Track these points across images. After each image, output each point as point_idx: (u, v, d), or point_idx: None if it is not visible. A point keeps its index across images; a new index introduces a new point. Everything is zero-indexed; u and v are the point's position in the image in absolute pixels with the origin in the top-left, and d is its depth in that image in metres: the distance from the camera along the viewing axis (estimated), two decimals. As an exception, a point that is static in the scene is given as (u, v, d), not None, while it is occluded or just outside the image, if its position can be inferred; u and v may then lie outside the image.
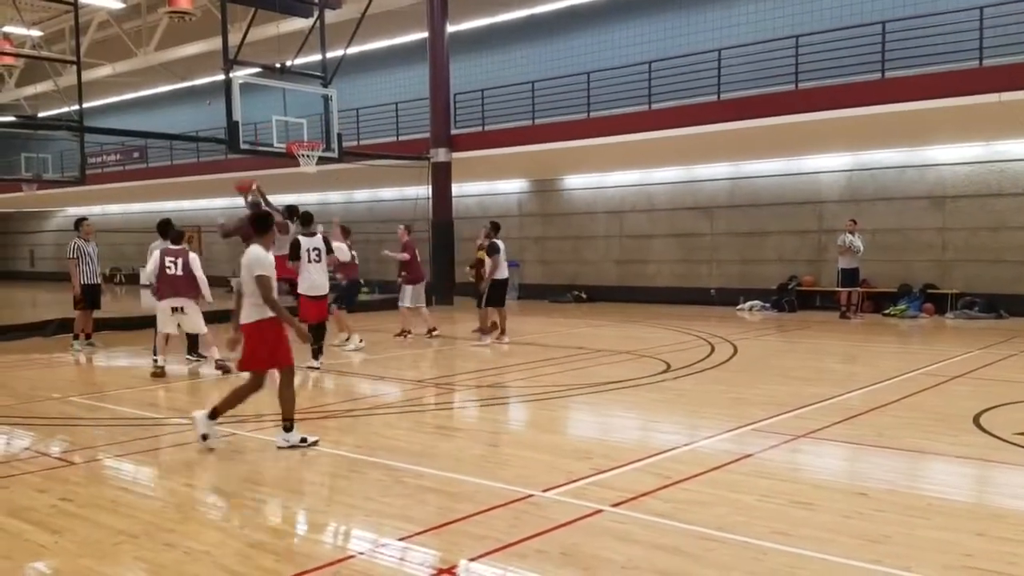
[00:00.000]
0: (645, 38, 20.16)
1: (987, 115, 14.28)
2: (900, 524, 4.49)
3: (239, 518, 4.92)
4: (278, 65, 16.87)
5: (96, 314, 13.34)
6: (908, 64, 15.20)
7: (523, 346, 12.83)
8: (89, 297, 12.83)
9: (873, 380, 9.04)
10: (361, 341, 12.57)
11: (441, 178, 21.60)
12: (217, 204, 32.16)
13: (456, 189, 22.35)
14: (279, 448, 6.33)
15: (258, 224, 6.54)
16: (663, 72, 18.63)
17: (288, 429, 6.41)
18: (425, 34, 21.72)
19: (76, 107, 19.29)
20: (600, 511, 4.73)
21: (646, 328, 14.43)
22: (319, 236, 10.74)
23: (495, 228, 13.44)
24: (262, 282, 6.25)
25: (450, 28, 21.58)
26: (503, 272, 13.34)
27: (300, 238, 10.62)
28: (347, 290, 13.41)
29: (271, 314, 6.27)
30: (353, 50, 19.25)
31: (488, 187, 24.13)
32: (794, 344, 12.97)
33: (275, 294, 6.31)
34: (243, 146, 16.44)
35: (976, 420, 6.94)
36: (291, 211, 12.34)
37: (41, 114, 31.48)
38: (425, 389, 9.26)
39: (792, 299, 18.26)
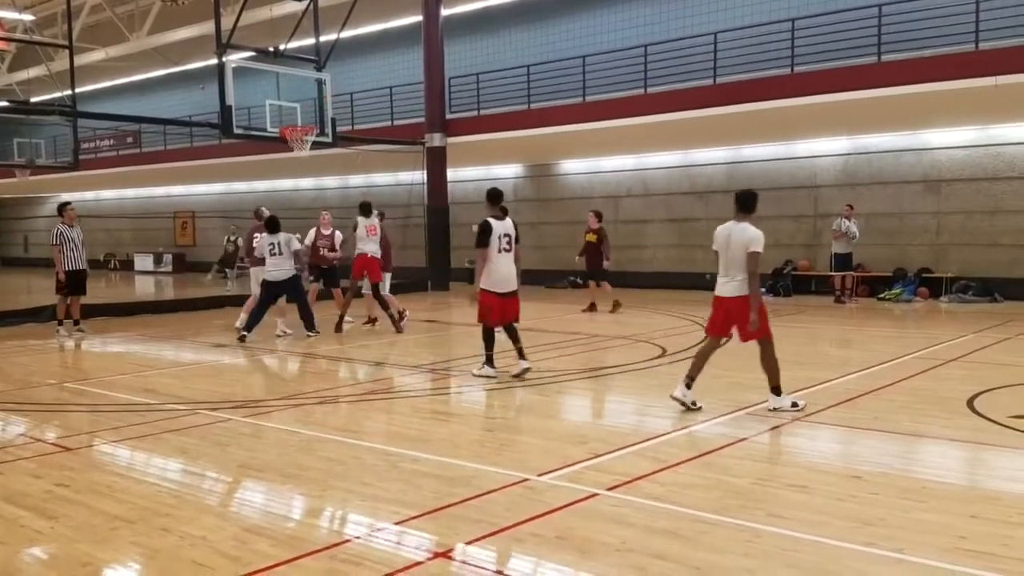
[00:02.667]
0: (641, 21, 20.05)
1: (983, 99, 14.26)
2: (894, 507, 4.51)
3: (235, 503, 4.93)
4: (271, 49, 16.76)
5: (92, 300, 13.31)
6: (904, 48, 15.16)
7: (520, 332, 12.82)
8: (72, 283, 12.73)
9: (868, 364, 9.07)
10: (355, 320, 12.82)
11: (436, 163, 21.54)
12: (213, 189, 32.07)
13: (451, 174, 22.29)
14: (770, 410, 6.71)
15: (746, 202, 7.12)
16: (659, 56, 18.55)
17: (777, 393, 6.79)
18: (419, 17, 21.60)
19: (69, 92, 19.16)
20: (596, 495, 4.75)
21: (642, 313, 14.44)
22: (509, 220, 8.76)
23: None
24: (755, 258, 6.80)
25: (444, 11, 21.46)
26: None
27: (491, 221, 8.55)
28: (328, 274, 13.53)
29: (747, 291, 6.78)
30: (347, 34, 19.14)
31: (484, 172, 24.06)
32: (789, 329, 12.99)
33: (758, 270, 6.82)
34: (236, 131, 16.37)
35: (970, 403, 6.97)
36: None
37: (33, 99, 31.23)
38: (421, 374, 9.27)
39: (787, 284, 18.28)
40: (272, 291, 11.98)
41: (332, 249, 13.23)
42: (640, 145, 20.20)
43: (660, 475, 5.14)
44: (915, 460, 5.66)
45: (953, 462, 5.63)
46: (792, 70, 16.31)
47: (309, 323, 12.13)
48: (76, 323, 12.94)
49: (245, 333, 11.85)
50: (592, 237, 15.39)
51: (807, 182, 18.56)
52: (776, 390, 6.85)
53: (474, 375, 8.62)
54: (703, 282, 19.76)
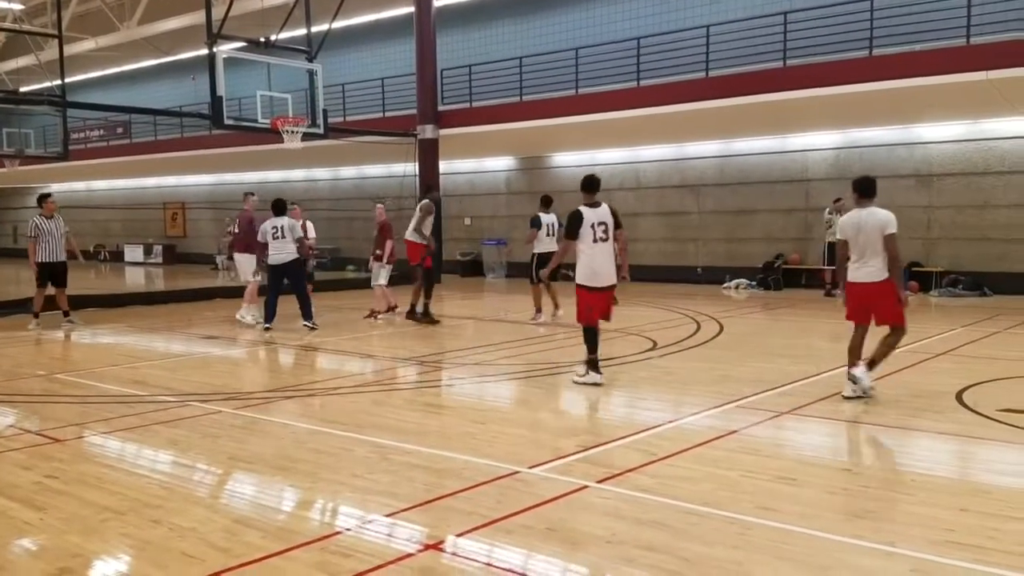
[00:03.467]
0: (633, 14, 20.03)
1: (974, 93, 14.30)
2: (883, 500, 4.54)
3: (225, 495, 4.92)
4: (262, 39, 16.68)
5: (82, 291, 13.21)
6: (896, 42, 15.19)
7: (511, 324, 12.86)
8: (51, 275, 12.54)
9: (858, 357, 9.08)
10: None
11: (428, 155, 21.49)
12: (203, 180, 31.94)
13: (444, 166, 22.25)
14: (850, 378, 7.00)
15: (866, 187, 7.38)
16: (652, 49, 18.54)
17: (870, 368, 7.04)
18: (412, 9, 21.51)
19: (58, 82, 19.03)
20: (586, 487, 4.76)
21: (633, 306, 14.43)
22: (605, 207, 8.08)
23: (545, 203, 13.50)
24: (894, 240, 7.05)
25: (437, 3, 21.39)
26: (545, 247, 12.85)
27: (582, 209, 7.96)
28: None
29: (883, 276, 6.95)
30: (338, 24, 19.06)
31: (476, 164, 24.03)
32: (779, 322, 13.04)
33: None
34: (227, 121, 16.28)
35: (959, 397, 7.01)
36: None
37: (23, 89, 31.03)
38: (413, 367, 9.26)
39: (778, 277, 18.32)
40: (277, 275, 12.08)
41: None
42: (632, 138, 20.19)
43: (650, 467, 5.15)
44: (904, 453, 5.69)
45: (942, 455, 5.66)
46: (784, 64, 16.33)
47: (307, 313, 12.13)
48: (65, 314, 12.85)
49: (268, 326, 11.96)
50: None
51: (799, 176, 18.59)
52: (871, 365, 7.04)
53: (575, 382, 7.84)
54: (695, 276, 19.84)
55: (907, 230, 16.70)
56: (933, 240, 16.98)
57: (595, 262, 7.81)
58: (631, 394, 7.64)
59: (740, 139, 19.25)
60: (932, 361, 8.94)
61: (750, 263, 18.97)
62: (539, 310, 12.89)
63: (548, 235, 13.01)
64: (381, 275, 13.58)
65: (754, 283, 18.39)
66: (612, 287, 7.99)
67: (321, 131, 17.60)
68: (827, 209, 16.29)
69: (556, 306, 12.79)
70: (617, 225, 7.96)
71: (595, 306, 7.86)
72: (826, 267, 16.56)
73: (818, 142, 18.37)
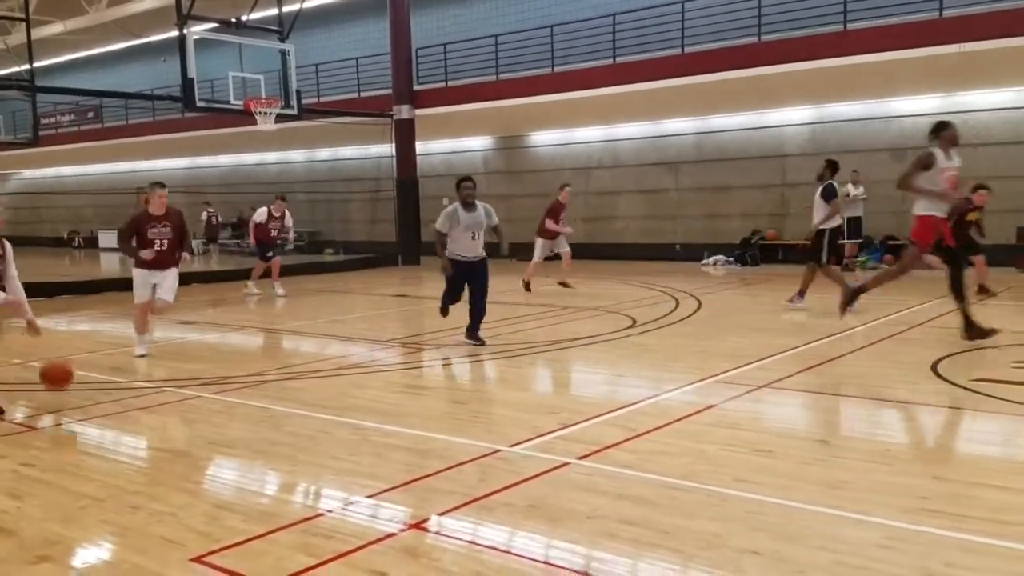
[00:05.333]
0: (608, -10, 19.93)
1: (948, 66, 14.39)
2: (859, 470, 4.60)
3: (206, 479, 4.91)
4: (233, 20, 16.46)
5: (56, 278, 13.04)
6: (869, 16, 15.23)
7: (491, 304, 12.84)
8: None
9: (834, 330, 9.20)
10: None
11: (404, 135, 21.37)
12: (177, 164, 31.55)
13: (421, 147, 22.13)
14: None
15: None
16: (627, 25, 18.47)
17: None
18: (385, -13, 21.29)
19: (27, 66, 18.70)
20: (567, 464, 4.79)
21: (612, 284, 14.51)
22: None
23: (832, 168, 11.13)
24: None
25: (411, -19, 21.17)
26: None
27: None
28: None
29: None
30: (311, 3, 18.83)
31: (453, 144, 23.92)
32: (757, 297, 13.13)
33: None
34: (199, 103, 16.11)
35: (934, 367, 7.10)
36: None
37: (-10, 73, 30.47)
38: (393, 348, 9.25)
39: (755, 253, 18.44)
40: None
41: (283, 230, 14.71)
42: (609, 116, 20.17)
43: (630, 443, 5.19)
44: (880, 424, 5.77)
45: (917, 425, 5.75)
46: (759, 39, 16.33)
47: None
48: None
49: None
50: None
51: (775, 152, 18.67)
52: None
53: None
54: (673, 253, 19.92)
55: (881, 203, 16.88)
56: (907, 213, 17.02)
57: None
58: (611, 371, 7.68)
59: (717, 116, 19.29)
60: (908, 332, 9.05)
61: (728, 239, 19.07)
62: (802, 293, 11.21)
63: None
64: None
65: (732, 259, 18.50)
66: None
67: (295, 112, 17.45)
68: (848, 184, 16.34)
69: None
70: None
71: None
72: (847, 241, 16.62)
73: (793, 117, 18.44)
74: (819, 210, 10.91)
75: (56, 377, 6.85)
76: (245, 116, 16.92)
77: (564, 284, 13.88)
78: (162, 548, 3.76)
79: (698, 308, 11.47)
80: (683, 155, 19.96)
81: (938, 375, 6.86)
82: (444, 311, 9.50)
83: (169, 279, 8.86)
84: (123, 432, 5.94)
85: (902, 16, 14.84)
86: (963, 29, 13.78)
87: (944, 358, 7.46)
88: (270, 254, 14.61)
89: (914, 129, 16.92)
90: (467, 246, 8.86)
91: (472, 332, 9.02)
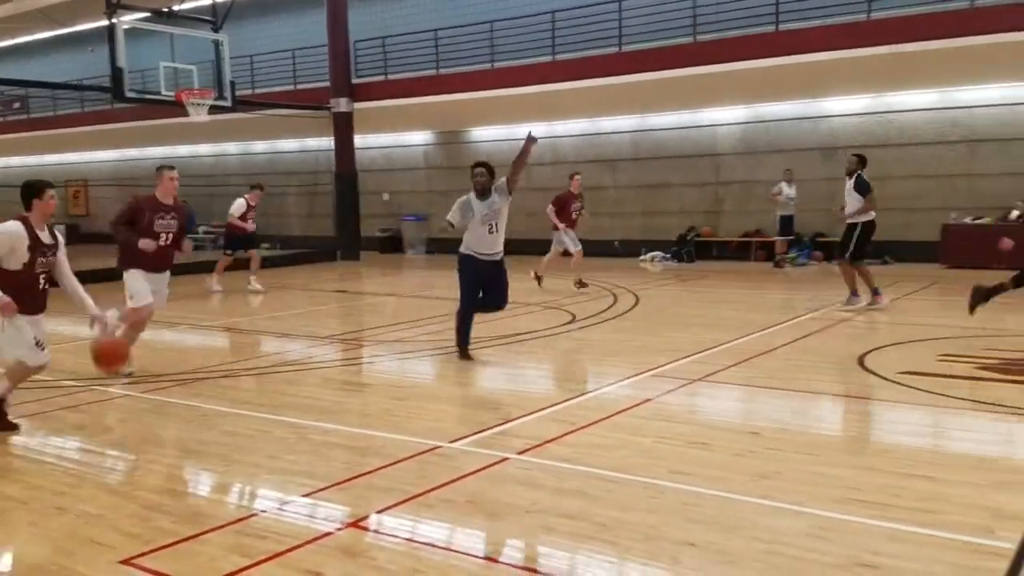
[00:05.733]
0: (548, -13, 19.99)
1: (877, 67, 14.80)
2: (790, 461, 4.72)
3: (135, 480, 4.78)
4: (165, 9, 16.04)
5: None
6: (802, 16, 15.57)
7: (432, 300, 12.81)
8: None
9: (766, 325, 9.41)
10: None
11: (343, 129, 21.11)
12: (107, 156, 30.61)
13: (360, 141, 21.89)
14: None
15: None
16: (566, 23, 18.56)
17: None
18: (323, -22, 20.99)
19: (-57, 53, 17.91)
20: (506, 459, 4.80)
21: (552, 280, 14.55)
22: None
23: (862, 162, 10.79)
24: None
25: (349, -28, 20.91)
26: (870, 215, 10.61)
27: None
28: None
29: None
30: (246, -6, 18.46)
31: (394, 139, 23.71)
32: (693, 293, 13.35)
33: None
34: (129, 94, 15.66)
35: (861, 361, 7.32)
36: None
37: (-95, 61, 29.15)
38: (332, 345, 9.14)
39: (691, 250, 18.73)
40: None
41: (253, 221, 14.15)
42: (549, 113, 20.23)
43: (569, 437, 5.23)
44: (810, 416, 5.92)
45: (846, 417, 5.92)
46: (695, 39, 16.57)
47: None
48: None
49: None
50: None
51: (709, 150, 18.98)
52: None
53: None
54: (611, 249, 20.09)
55: (811, 202, 17.31)
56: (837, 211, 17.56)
57: None
58: (551, 366, 7.73)
59: (654, 114, 19.51)
60: (836, 327, 9.31)
61: (665, 236, 19.32)
62: (856, 293, 10.72)
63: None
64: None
65: (669, 256, 18.76)
66: None
67: (228, 104, 17.09)
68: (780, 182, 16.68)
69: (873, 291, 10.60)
70: None
71: None
72: (778, 238, 17.00)
73: (727, 117, 18.77)
74: (852, 204, 10.54)
75: (112, 359, 6.25)
76: (177, 107, 16.50)
77: (580, 283, 13.17)
78: (91, 550, 3.65)
79: (636, 304, 11.61)
80: (621, 153, 20.15)
81: (865, 368, 7.07)
82: (464, 331, 7.96)
83: (166, 284, 7.61)
84: (49, 432, 5.75)
85: (833, 18, 15.22)
86: (890, 31, 14.18)
87: (871, 352, 7.69)
88: (241, 249, 14.09)
89: (842, 129, 17.42)
90: (485, 241, 7.73)
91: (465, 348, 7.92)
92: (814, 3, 15.48)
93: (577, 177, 13.47)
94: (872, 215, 10.59)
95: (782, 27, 15.58)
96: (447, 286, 13.40)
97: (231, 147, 27.12)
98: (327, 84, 21.06)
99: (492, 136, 22.33)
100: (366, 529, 3.88)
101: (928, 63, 14.47)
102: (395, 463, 4.77)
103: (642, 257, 19.17)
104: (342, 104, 20.86)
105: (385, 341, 9.18)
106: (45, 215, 5.69)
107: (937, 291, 12.73)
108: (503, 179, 7.84)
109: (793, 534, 3.69)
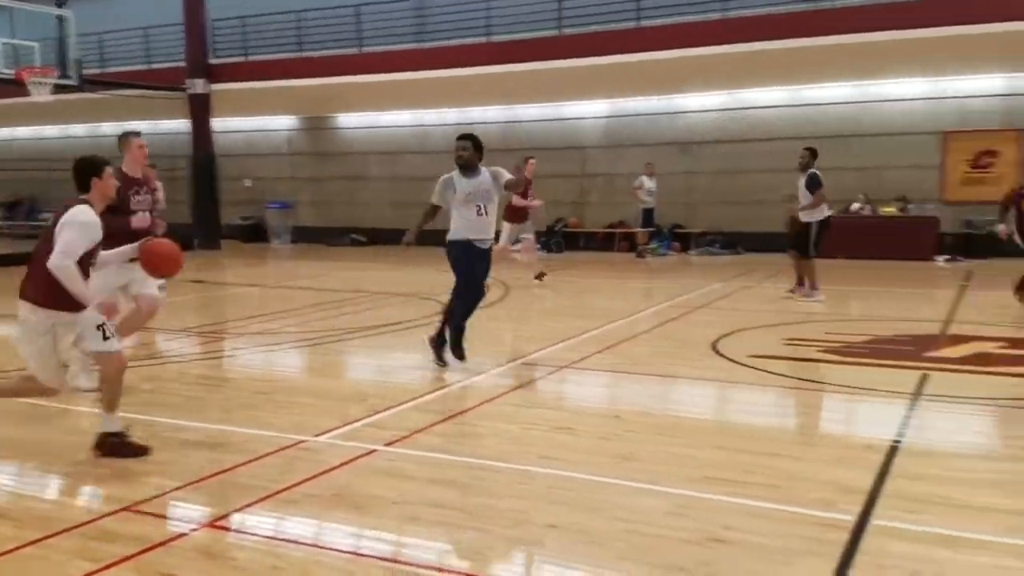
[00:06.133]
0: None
1: (732, 64, 15.44)
2: (649, 442, 4.90)
3: (-32, 487, 4.43)
4: (1, -21, 14.85)
5: None
6: (664, 13, 16.04)
7: (297, 291, 12.48)
8: None
9: (628, 313, 9.72)
10: None
11: (199, 111, 20.20)
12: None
13: (220, 124, 21.02)
14: None
15: None
16: (435, 10, 18.45)
17: None
18: (177, -47, 19.98)
19: None
20: (374, 451, 4.74)
21: (423, 271, 14.50)
22: None
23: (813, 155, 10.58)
24: None
25: (205, -53, 19.99)
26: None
27: None
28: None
29: None
30: (93, -34, 17.33)
31: (256, 123, 22.88)
32: (561, 283, 13.60)
33: None
34: (-40, 70, 14.41)
35: (714, 346, 7.68)
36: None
37: None
38: (189, 338, 8.75)
39: (560, 240, 19.09)
40: None
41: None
42: (418, 101, 20.08)
43: (438, 427, 5.23)
44: (668, 399, 6.16)
45: (700, 400, 6.19)
46: (560, 31, 16.82)
47: None
48: None
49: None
50: None
51: (575, 143, 19.34)
52: None
53: None
54: (481, 238, 20.17)
55: (670, 195, 17.97)
56: (693, 204, 18.35)
57: None
58: (421, 356, 7.68)
59: (521, 105, 19.71)
60: (692, 314, 9.72)
61: (535, 227, 19.56)
62: (815, 286, 10.58)
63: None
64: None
65: (538, 246, 19.00)
66: None
67: (74, 83, 16.03)
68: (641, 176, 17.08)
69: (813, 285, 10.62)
70: None
71: None
72: (640, 230, 17.42)
73: (591, 110, 19.20)
74: (804, 200, 10.43)
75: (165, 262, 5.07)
76: (16, 86, 15.33)
77: (540, 276, 12.73)
78: (-87, 566, 3.35)
79: (506, 293, 11.72)
80: (488, 143, 20.17)
81: (718, 353, 7.42)
82: (458, 324, 7.02)
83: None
84: None
85: (688, 16, 15.73)
86: (748, 30, 14.79)
87: (724, 337, 8.08)
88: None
89: (699, 124, 18.17)
90: (475, 225, 6.82)
91: (441, 343, 6.93)
92: (675, 0, 15.98)
93: (532, 161, 12.61)
94: (826, 212, 10.48)
95: (644, 23, 16.02)
96: (312, 276, 13.16)
97: (78, 128, 25.45)
98: (183, 64, 20.09)
99: (358, 123, 21.96)
100: (225, 529, 3.74)
101: (780, 61, 15.23)
102: (257, 459, 4.62)
103: (513, 248, 19.36)
104: (198, 85, 19.96)
105: (247, 333, 8.87)
106: (106, 197, 4.75)
107: (786, 279, 13.48)
108: (506, 176, 7.03)
109: (653, 513, 3.83)
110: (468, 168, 6.88)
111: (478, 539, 3.57)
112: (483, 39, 17.44)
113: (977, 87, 15.85)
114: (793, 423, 5.65)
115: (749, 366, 6.87)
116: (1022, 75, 15.43)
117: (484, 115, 20.26)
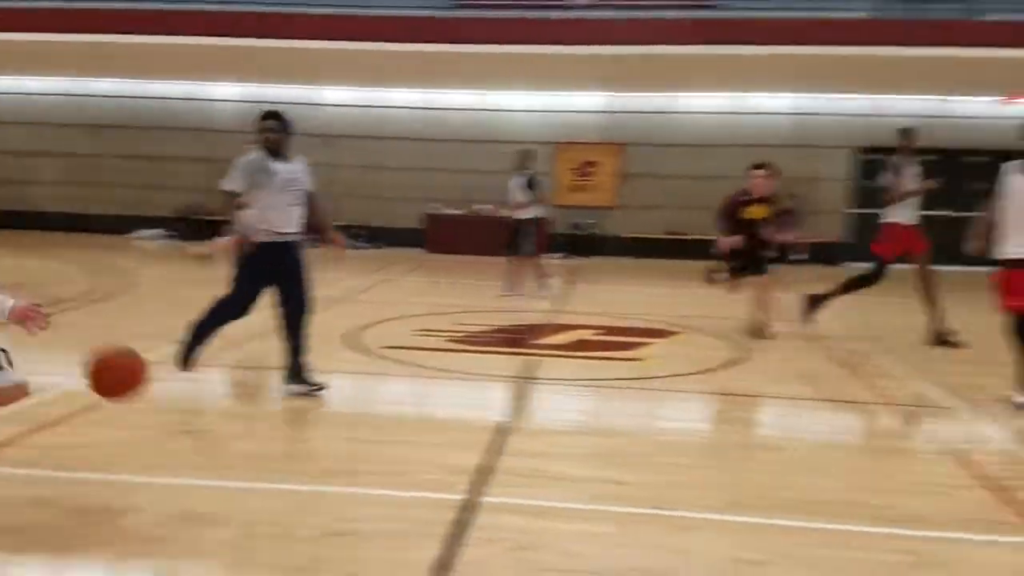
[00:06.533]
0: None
1: (366, 61, 15.52)
2: (278, 440, 4.83)
3: None
4: None
5: None
6: (302, 2, 15.67)
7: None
8: None
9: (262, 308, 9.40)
10: None
11: None
12: None
13: None
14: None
15: None
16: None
17: None
18: None
19: None
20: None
21: (28, 259, 12.78)
22: None
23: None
24: None
25: None
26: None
27: None
28: None
29: None
30: None
31: None
32: (192, 274, 12.80)
33: None
34: None
35: (351, 338, 7.76)
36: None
37: None
38: None
39: (195, 227, 17.91)
40: None
41: None
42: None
43: (34, 438, 4.64)
44: (321, 394, 5.96)
45: (337, 392, 6.18)
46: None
47: None
48: None
49: None
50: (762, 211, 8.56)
51: (206, 124, 18.23)
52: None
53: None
54: (105, 225, 18.14)
55: (321, 187, 17.74)
56: (338, 196, 18.29)
57: None
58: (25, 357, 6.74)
59: (152, 80, 18.21)
60: (333, 307, 9.69)
61: (165, 213, 18.19)
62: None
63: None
64: None
65: (176, 233, 17.68)
66: None
67: None
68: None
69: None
70: None
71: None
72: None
73: (226, 93, 18.35)
74: (522, 200, 10.82)
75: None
76: None
77: None
78: None
79: (127, 286, 10.76)
80: (114, 119, 18.39)
81: (351, 345, 7.51)
82: (202, 337, 5.89)
83: None
84: None
85: (329, 8, 15.49)
86: (380, 29, 14.88)
87: (361, 328, 8.21)
88: None
89: (340, 118, 18.13)
90: (285, 215, 5.68)
91: (297, 373, 5.67)
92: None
93: None
94: (543, 211, 11.15)
95: (279, 9, 15.45)
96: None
97: None
98: None
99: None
100: None
101: (523, 65, 15.36)
102: None
103: (138, 234, 17.84)
104: None
105: None
106: None
107: (420, 273, 14.10)
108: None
109: (272, 512, 3.75)
110: (278, 155, 5.84)
111: (69, 559, 3.23)
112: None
113: (582, 104, 17.77)
114: (412, 411, 5.91)
115: (384, 357, 7.05)
116: (617, 95, 17.59)
117: (103, 88, 18.37)
